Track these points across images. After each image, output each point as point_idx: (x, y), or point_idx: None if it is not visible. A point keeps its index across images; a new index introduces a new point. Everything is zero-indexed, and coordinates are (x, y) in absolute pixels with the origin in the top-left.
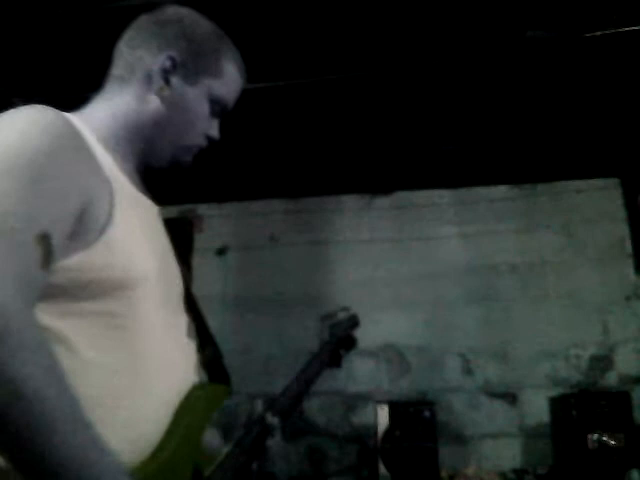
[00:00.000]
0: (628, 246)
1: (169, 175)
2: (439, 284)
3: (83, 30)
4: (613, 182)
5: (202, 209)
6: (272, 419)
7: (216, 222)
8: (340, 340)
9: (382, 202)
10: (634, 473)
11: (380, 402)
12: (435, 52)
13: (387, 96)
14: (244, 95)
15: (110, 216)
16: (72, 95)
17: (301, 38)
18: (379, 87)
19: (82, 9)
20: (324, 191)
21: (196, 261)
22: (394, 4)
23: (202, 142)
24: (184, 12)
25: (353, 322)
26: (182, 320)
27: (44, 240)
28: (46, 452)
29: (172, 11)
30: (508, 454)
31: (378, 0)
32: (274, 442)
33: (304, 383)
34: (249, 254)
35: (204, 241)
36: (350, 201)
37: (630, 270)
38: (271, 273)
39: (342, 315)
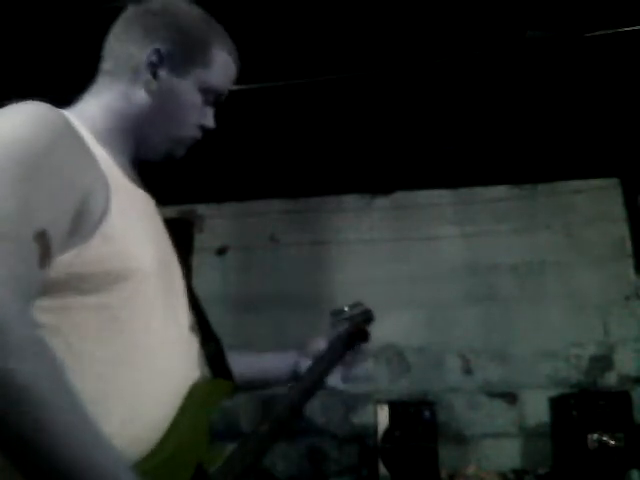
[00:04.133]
0: (628, 246)
1: (167, 172)
2: (439, 284)
3: (83, 30)
4: (613, 182)
5: (202, 209)
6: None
7: (216, 222)
8: (352, 335)
9: (382, 202)
10: (634, 473)
11: (380, 402)
12: (435, 52)
13: (387, 96)
14: (244, 95)
15: (106, 210)
16: (71, 95)
17: (300, 38)
18: (379, 87)
19: (81, 9)
20: (324, 191)
21: (196, 261)
22: (394, 4)
23: (196, 133)
24: (171, 1)
25: (367, 316)
26: (183, 314)
27: (42, 239)
28: (48, 453)
29: (159, 1)
30: (508, 454)
31: (378, 0)
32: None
33: (316, 378)
34: (249, 254)
35: (204, 241)
36: (350, 201)
37: (630, 270)
38: (271, 273)
39: (355, 310)
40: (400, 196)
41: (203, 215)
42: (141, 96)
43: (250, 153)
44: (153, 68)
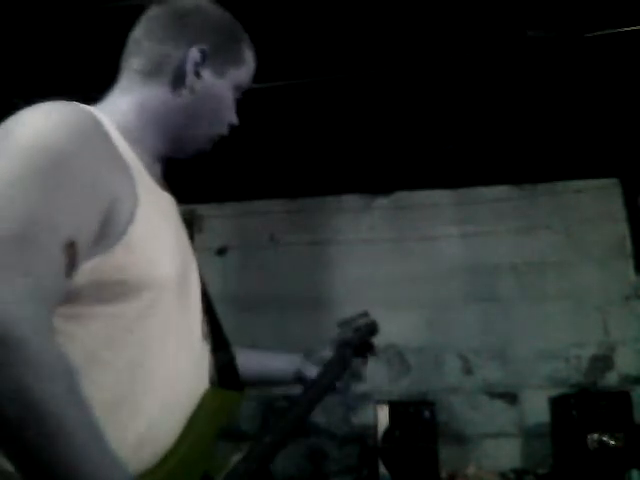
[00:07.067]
0: (628, 246)
1: (167, 172)
2: (439, 284)
3: (83, 30)
4: (613, 182)
5: (202, 209)
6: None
7: (216, 222)
8: (357, 347)
9: (382, 202)
10: (634, 473)
11: (380, 402)
12: (435, 52)
13: (387, 96)
14: (243, 95)
15: (132, 217)
16: (73, 95)
17: (301, 38)
18: (379, 87)
19: (82, 9)
20: (324, 191)
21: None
22: (394, 4)
23: (225, 131)
24: (201, 2)
25: (372, 328)
26: (197, 322)
27: (70, 248)
28: (57, 465)
29: (190, 2)
30: (508, 454)
31: (378, 0)
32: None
33: (321, 391)
34: (249, 254)
35: (204, 241)
36: (350, 201)
37: (630, 270)
38: (271, 273)
39: (361, 321)
40: (400, 196)
41: (203, 215)
42: (184, 95)
43: (250, 153)
44: (196, 67)
